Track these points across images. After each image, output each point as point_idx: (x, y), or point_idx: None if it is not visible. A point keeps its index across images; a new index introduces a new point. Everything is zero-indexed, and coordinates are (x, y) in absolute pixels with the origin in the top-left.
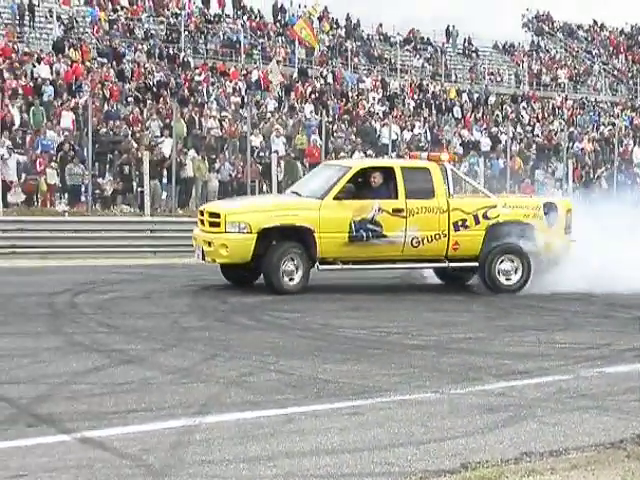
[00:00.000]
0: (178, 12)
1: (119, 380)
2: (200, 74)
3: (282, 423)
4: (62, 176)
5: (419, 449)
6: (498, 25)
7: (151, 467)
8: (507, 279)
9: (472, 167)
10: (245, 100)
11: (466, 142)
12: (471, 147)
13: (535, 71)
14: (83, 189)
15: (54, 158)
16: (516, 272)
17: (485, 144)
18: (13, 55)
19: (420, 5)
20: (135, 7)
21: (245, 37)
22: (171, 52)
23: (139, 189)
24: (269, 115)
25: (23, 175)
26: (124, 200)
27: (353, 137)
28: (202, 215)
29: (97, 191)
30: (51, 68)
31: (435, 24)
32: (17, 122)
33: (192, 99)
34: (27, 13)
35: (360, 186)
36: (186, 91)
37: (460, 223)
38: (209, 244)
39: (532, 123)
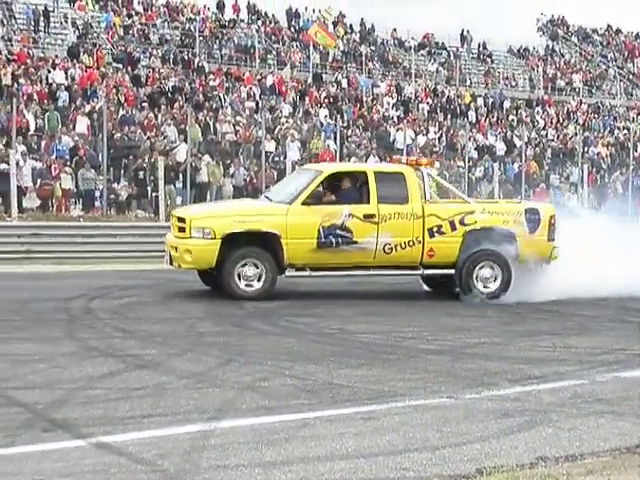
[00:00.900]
0: (193, 17)
1: (134, 385)
2: (215, 79)
3: (297, 428)
4: (76, 181)
5: (434, 454)
6: (513, 29)
7: (166, 472)
8: (485, 286)
9: (487, 172)
10: (259, 105)
11: (481, 147)
12: (486, 151)
13: (550, 75)
14: (98, 194)
15: (68, 163)
16: (495, 279)
17: (500, 149)
18: (28, 61)
19: (435, 9)
20: (150, 12)
21: (259, 42)
22: (186, 57)
23: (154, 194)
24: (284, 120)
25: (38, 180)
26: (139, 205)
27: (367, 141)
28: (173, 220)
29: (112, 196)
30: (66, 73)
31: (450, 28)
32: (32, 127)
33: (207, 104)
34: (42, 19)
35: (332, 191)
36: (201, 96)
37: (435, 229)
38: (176, 249)
39: (547, 127)
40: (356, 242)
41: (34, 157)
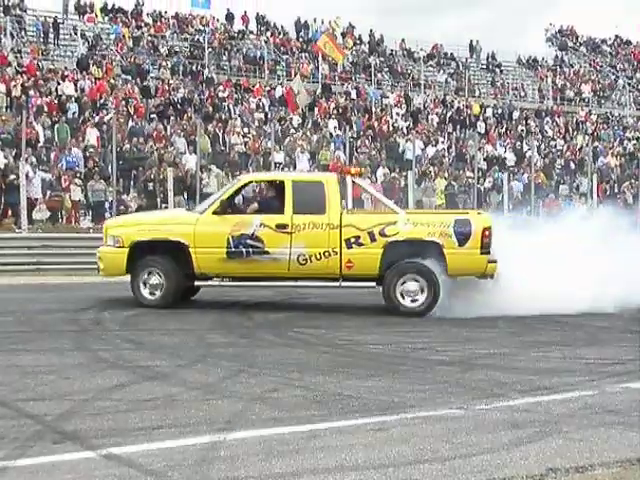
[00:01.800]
0: (202, 29)
1: (144, 396)
2: (224, 90)
3: (307, 439)
4: (86, 192)
5: (444, 465)
6: (522, 40)
7: None
8: (413, 300)
9: (496, 182)
10: (269, 116)
11: (490, 157)
12: (495, 162)
13: (559, 86)
14: (107, 205)
15: (78, 175)
16: (422, 292)
17: (509, 159)
18: (38, 72)
19: (444, 20)
20: (159, 24)
21: (268, 53)
22: (195, 69)
23: (163, 205)
24: (293, 131)
25: (48, 192)
26: None
27: (376, 152)
28: None
29: (122, 207)
30: (75, 85)
31: (459, 39)
32: (42, 139)
33: (216, 115)
34: (52, 31)
35: (249, 200)
36: (210, 107)
37: (353, 240)
38: (100, 258)
39: (556, 138)
40: (267, 252)
41: (44, 169)
